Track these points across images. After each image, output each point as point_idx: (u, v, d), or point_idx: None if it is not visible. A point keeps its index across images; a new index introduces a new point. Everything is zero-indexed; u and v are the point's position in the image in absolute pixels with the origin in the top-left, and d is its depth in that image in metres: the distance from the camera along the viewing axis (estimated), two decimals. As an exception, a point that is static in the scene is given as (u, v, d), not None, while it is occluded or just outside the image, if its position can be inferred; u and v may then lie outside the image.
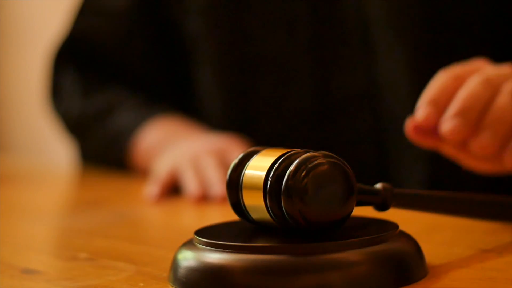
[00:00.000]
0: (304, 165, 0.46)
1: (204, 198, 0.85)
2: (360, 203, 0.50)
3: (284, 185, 0.46)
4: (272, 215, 0.48)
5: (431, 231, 0.63)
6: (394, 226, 0.50)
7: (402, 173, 0.97)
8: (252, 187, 0.49)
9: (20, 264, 0.60)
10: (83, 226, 0.77)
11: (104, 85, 1.14)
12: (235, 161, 0.51)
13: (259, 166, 0.49)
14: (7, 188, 1.13)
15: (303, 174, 0.46)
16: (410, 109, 0.72)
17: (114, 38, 1.14)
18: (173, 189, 0.90)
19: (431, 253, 0.52)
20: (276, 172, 0.47)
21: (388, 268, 0.47)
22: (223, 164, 0.90)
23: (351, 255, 0.46)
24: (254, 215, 0.50)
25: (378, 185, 0.52)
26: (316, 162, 0.47)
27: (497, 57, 0.89)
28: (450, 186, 0.95)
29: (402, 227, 0.50)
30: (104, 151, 1.10)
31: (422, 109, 0.68)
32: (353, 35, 0.98)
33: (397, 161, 0.98)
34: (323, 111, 1.01)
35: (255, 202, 0.49)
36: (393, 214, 0.53)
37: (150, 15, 1.13)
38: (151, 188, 0.89)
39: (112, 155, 1.08)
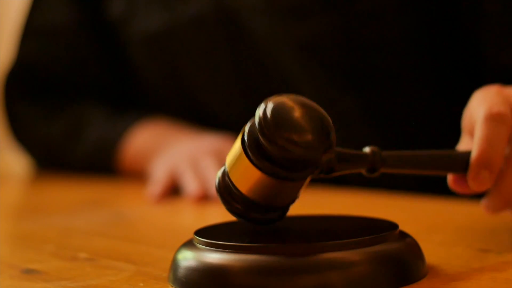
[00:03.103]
0: (265, 102, 0.48)
1: (205, 198, 0.85)
2: (346, 167, 0.50)
3: (258, 126, 0.47)
4: (259, 167, 0.48)
5: (431, 231, 0.63)
6: (394, 226, 0.50)
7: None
8: (235, 162, 0.51)
9: (20, 264, 0.60)
10: (83, 226, 0.77)
11: (65, 105, 1.13)
12: (218, 173, 0.53)
13: (232, 150, 0.51)
14: (7, 188, 1.13)
15: (268, 107, 0.47)
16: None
17: (62, 56, 1.14)
18: (173, 190, 0.90)
19: (431, 253, 0.52)
20: (250, 129, 0.49)
21: (388, 268, 0.47)
22: (222, 164, 0.90)
23: (350, 255, 0.46)
24: (244, 189, 0.50)
25: (366, 149, 0.52)
26: (280, 100, 0.48)
27: (416, 76, 0.89)
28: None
29: (402, 227, 0.50)
30: (87, 164, 1.10)
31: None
32: (268, 66, 0.99)
33: None
34: None
35: (240, 169, 0.50)
36: (393, 214, 0.53)
37: (94, 28, 1.13)
38: (153, 189, 0.89)
39: (97, 166, 1.08)
